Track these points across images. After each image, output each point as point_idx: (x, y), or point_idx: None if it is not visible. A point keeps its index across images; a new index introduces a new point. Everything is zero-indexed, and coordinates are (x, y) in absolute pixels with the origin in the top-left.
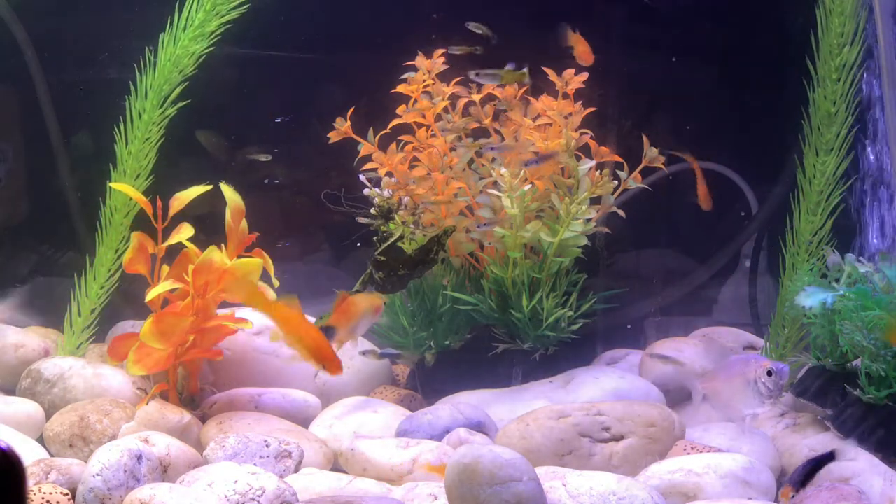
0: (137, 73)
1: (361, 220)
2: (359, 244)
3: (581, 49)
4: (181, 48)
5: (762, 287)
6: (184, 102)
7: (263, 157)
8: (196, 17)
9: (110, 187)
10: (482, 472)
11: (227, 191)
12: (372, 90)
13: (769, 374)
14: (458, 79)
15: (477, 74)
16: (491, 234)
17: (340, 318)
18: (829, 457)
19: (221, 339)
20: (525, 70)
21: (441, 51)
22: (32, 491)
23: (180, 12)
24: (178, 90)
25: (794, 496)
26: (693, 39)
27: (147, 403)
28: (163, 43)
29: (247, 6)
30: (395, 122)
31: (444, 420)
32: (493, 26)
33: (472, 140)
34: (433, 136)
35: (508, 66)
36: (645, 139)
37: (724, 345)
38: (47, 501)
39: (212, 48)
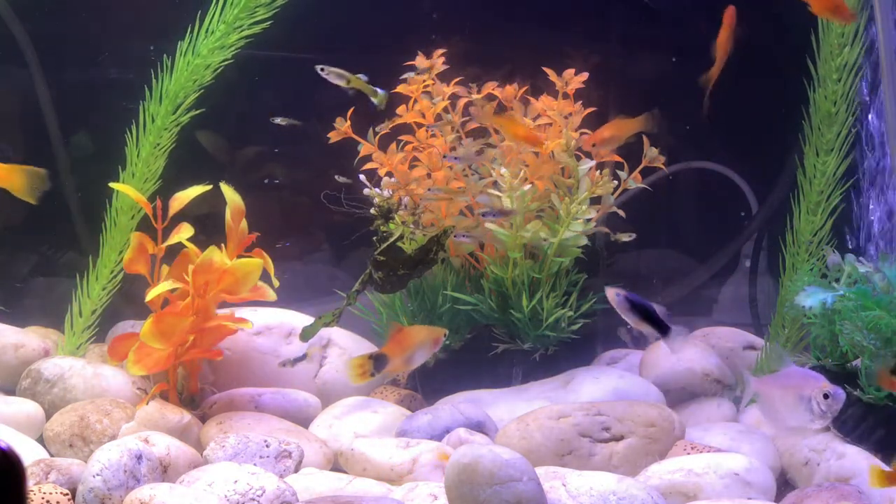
0: (153, 77)
1: (341, 179)
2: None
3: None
4: (200, 58)
5: (762, 287)
6: (198, 111)
7: (283, 121)
8: (217, 28)
9: (115, 188)
10: (482, 471)
11: (227, 191)
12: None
13: (825, 396)
14: (457, 79)
15: (322, 69)
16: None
17: (395, 347)
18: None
19: (221, 339)
20: (382, 92)
21: (441, 50)
22: (32, 491)
23: (202, 21)
24: (192, 97)
25: (618, 297)
26: (693, 39)
27: (147, 403)
28: (181, 50)
29: (269, 23)
30: (395, 121)
31: (444, 420)
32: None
33: (472, 140)
34: (433, 136)
35: (361, 76)
36: (645, 139)
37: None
38: (47, 501)
39: (230, 60)
